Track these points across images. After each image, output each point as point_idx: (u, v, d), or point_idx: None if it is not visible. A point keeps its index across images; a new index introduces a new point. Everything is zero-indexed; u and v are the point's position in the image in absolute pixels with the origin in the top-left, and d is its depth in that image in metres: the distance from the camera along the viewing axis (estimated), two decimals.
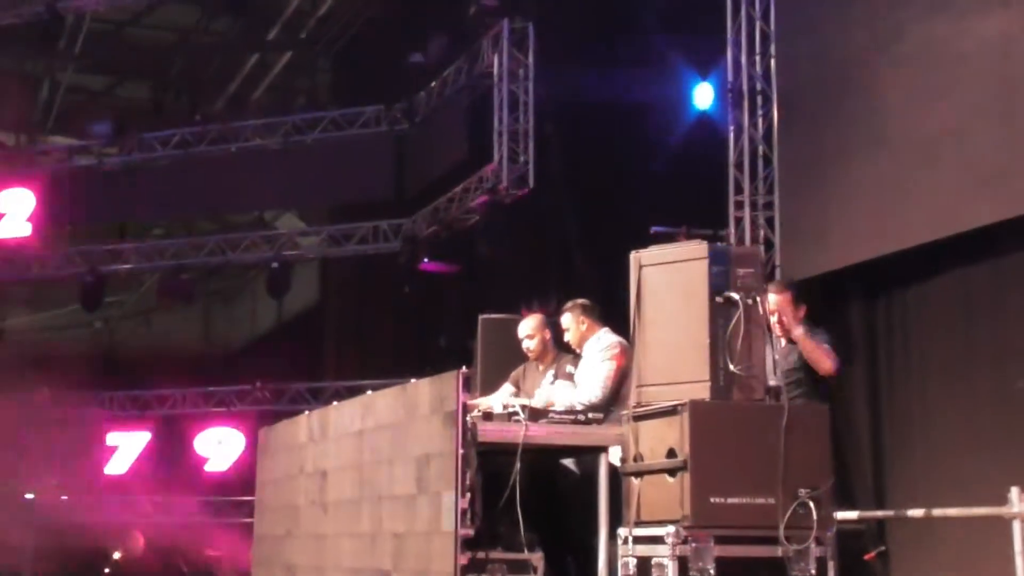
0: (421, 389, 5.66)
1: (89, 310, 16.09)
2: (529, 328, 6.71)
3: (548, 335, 6.73)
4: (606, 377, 6.24)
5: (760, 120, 9.26)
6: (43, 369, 14.48)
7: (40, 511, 14.78)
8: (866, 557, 6.52)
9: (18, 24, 14.40)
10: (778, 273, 8.50)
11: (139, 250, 15.64)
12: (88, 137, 15.85)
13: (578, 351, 6.51)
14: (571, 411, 5.90)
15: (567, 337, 6.50)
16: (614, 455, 5.75)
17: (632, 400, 5.63)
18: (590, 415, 5.87)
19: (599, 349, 6.35)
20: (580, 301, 6.54)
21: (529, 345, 6.71)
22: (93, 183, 15.61)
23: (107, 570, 15.27)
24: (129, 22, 15.56)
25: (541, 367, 6.75)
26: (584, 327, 6.47)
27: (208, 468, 15.50)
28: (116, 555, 15.33)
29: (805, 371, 6.33)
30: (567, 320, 6.50)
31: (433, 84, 13.95)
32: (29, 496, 15.18)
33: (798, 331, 6.26)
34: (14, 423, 14.49)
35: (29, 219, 15.48)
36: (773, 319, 6.27)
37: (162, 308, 16.91)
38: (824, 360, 6.26)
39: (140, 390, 15.78)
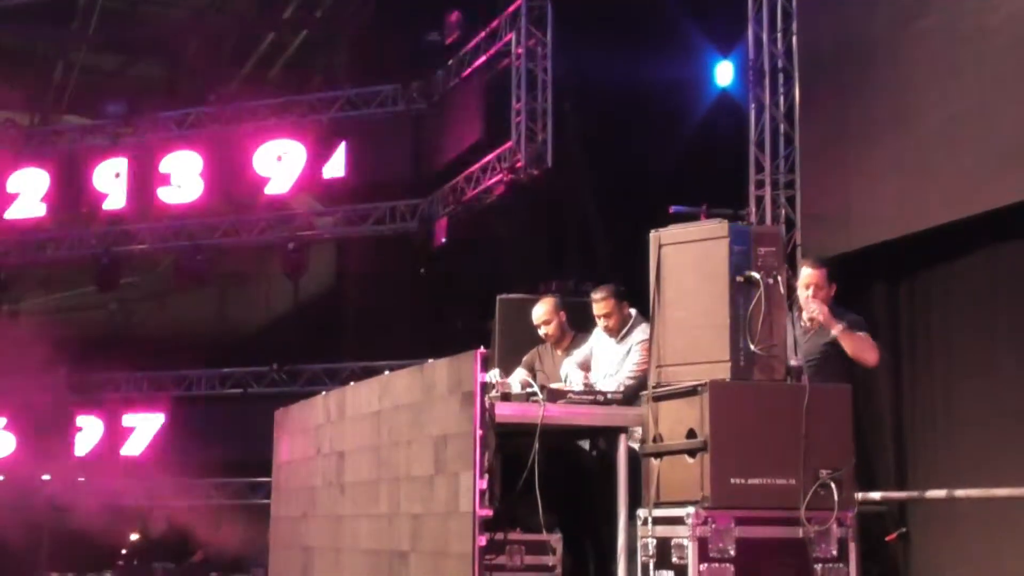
0: (439, 369, 5.68)
1: (104, 291, 16.21)
2: (544, 313, 6.71)
3: (563, 317, 6.73)
4: (642, 361, 6.23)
5: (781, 98, 9.25)
6: (58, 349, 14.57)
7: (56, 492, 14.93)
8: (887, 538, 6.53)
9: (31, 3, 14.46)
10: (799, 253, 8.49)
11: (154, 231, 15.71)
12: (102, 117, 15.93)
13: (614, 335, 6.48)
14: (590, 391, 5.91)
15: (606, 323, 6.44)
16: (634, 437, 5.77)
17: (651, 380, 5.64)
18: (609, 395, 5.89)
19: (639, 340, 6.31)
20: (614, 286, 6.50)
21: (546, 330, 6.72)
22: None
23: (124, 551, 15.40)
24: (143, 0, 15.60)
25: (559, 351, 6.76)
26: (626, 311, 6.46)
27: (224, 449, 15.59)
28: (134, 536, 15.47)
29: (826, 355, 6.30)
30: (608, 306, 6.43)
31: (450, 63, 13.96)
32: (45, 477, 15.33)
33: (839, 327, 6.18)
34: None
35: (43, 199, 15.61)
36: (807, 292, 6.27)
37: (178, 289, 16.98)
38: (869, 353, 6.21)
39: (156, 371, 15.89)
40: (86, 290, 16.83)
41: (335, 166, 14.76)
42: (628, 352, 6.37)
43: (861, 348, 6.15)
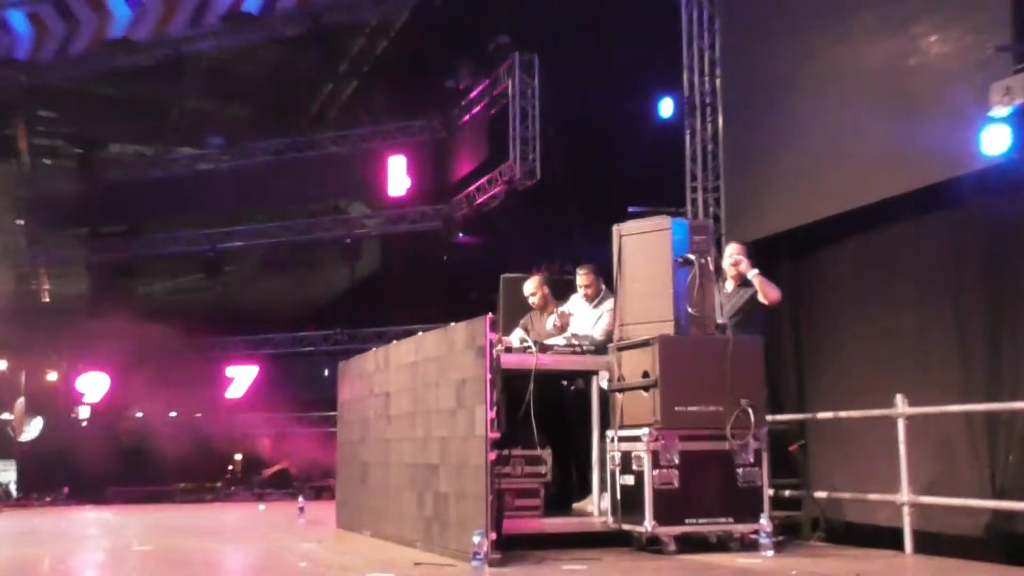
0: (459, 330, 5.68)
1: (211, 277, 16.29)
2: (531, 287, 6.73)
3: (547, 290, 6.74)
4: (609, 323, 6.22)
5: (709, 125, 9.23)
6: (179, 321, 14.66)
7: (181, 425, 15.01)
8: (790, 448, 6.55)
9: (152, 64, 14.53)
10: (724, 240, 8.48)
11: (247, 232, 15.77)
12: (207, 147, 15.95)
13: (590, 302, 6.47)
14: (571, 344, 5.92)
15: (586, 291, 6.40)
16: (603, 378, 5.79)
17: (616, 336, 5.68)
18: (585, 347, 5.90)
19: (608, 308, 6.30)
20: (596, 265, 6.48)
21: (534, 300, 6.74)
22: (211, 183, 15.78)
23: (230, 467, 15.50)
24: (235, 59, 15.56)
25: (544, 315, 6.77)
26: (601, 284, 6.47)
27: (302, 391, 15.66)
28: (237, 456, 15.58)
29: (744, 313, 6.33)
30: (590, 279, 6.40)
31: (463, 102, 13.94)
32: (173, 414, 15.40)
33: (754, 271, 6.29)
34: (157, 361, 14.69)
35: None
36: (730, 261, 6.39)
37: (265, 275, 17.03)
38: (773, 291, 6.30)
39: (250, 335, 15.95)
40: (197, 277, 16.88)
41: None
42: (600, 317, 6.38)
43: (767, 287, 6.25)
